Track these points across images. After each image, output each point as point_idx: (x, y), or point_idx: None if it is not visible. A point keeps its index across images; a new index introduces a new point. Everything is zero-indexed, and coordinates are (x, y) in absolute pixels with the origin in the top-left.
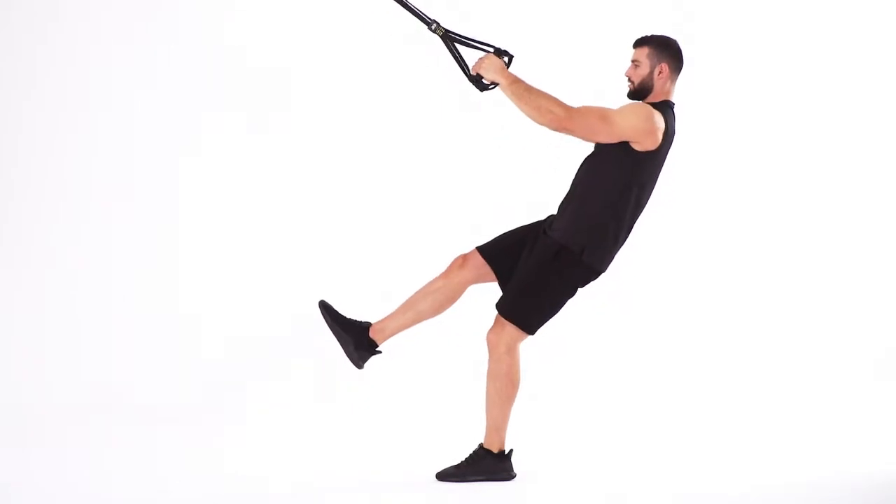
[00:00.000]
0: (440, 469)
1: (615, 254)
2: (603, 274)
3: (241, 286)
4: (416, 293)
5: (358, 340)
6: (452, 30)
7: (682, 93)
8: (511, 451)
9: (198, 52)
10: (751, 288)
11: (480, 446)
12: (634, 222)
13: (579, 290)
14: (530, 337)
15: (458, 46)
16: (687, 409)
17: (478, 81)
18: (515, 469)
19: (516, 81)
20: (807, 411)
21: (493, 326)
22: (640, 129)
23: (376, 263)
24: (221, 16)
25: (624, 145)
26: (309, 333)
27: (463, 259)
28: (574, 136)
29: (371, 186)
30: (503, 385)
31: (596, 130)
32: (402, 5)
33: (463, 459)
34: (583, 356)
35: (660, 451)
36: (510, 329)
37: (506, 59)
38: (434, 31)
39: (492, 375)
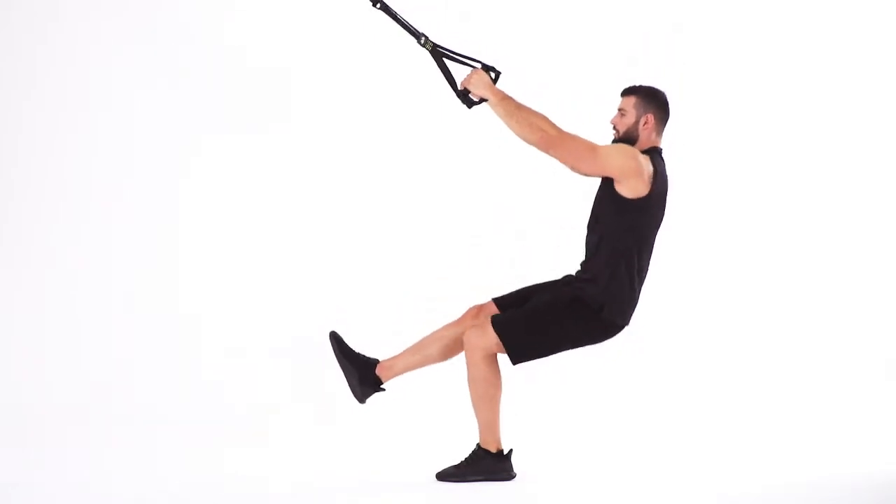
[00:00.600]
0: (440, 469)
1: (635, 305)
2: (623, 330)
3: (241, 286)
4: (427, 337)
5: (363, 375)
6: (441, 44)
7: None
8: (511, 450)
9: (198, 52)
10: (748, 287)
11: (478, 446)
12: (645, 269)
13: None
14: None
15: (447, 61)
16: (687, 410)
17: (465, 97)
18: (515, 469)
19: (506, 98)
20: (806, 412)
21: (474, 327)
22: (626, 168)
23: (375, 260)
24: (221, 16)
25: (616, 197)
26: (309, 333)
27: (478, 309)
28: (559, 158)
29: (371, 185)
30: (484, 388)
31: (582, 157)
32: (392, 18)
33: (462, 459)
34: (583, 356)
35: (659, 451)
36: (491, 336)
37: (492, 74)
38: (423, 45)
39: (470, 379)
